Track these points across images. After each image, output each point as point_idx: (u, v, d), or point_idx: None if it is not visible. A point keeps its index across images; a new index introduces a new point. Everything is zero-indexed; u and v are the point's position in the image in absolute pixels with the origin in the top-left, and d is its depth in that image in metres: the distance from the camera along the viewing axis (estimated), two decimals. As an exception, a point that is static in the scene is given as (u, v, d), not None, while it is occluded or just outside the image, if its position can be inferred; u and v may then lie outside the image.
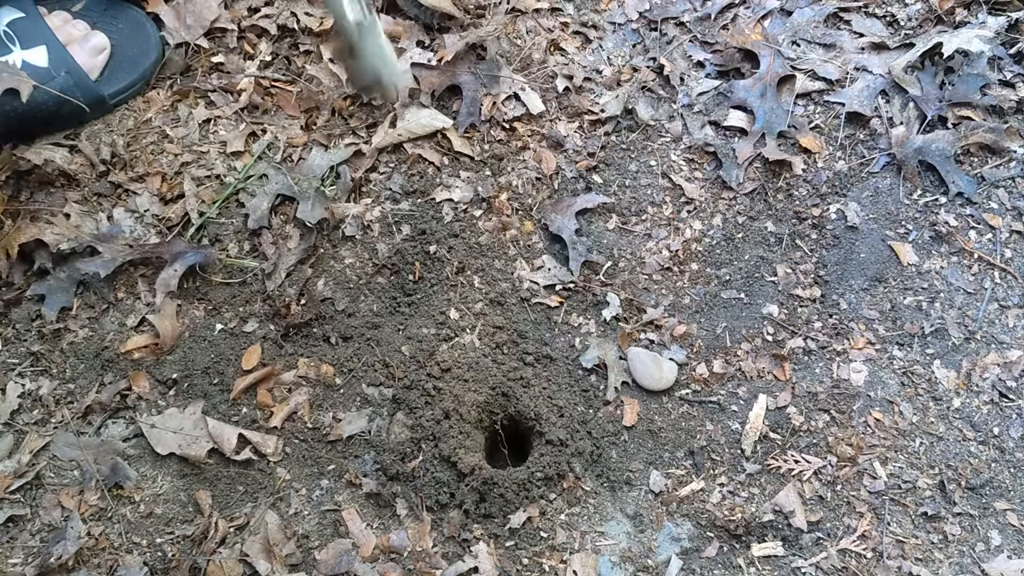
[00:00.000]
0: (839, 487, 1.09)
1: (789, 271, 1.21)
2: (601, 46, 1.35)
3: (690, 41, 1.35)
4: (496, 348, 1.16)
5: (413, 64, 1.29)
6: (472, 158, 1.26)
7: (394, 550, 1.05)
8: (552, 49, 1.34)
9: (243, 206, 1.21)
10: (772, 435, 1.12)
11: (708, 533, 1.07)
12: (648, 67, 1.33)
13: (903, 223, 1.22)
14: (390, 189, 1.23)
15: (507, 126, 1.28)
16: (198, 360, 1.14)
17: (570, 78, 1.31)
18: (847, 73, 1.29)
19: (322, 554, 1.04)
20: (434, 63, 1.29)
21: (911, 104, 1.28)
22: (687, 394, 1.14)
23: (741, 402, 1.14)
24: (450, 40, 1.30)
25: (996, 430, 1.11)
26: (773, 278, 1.21)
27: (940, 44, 1.26)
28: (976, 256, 1.20)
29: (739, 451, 1.11)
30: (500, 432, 1.16)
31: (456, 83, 1.28)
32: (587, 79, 1.32)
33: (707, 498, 1.09)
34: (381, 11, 1.33)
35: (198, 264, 1.16)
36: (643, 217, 1.24)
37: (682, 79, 1.32)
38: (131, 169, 1.23)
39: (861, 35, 1.34)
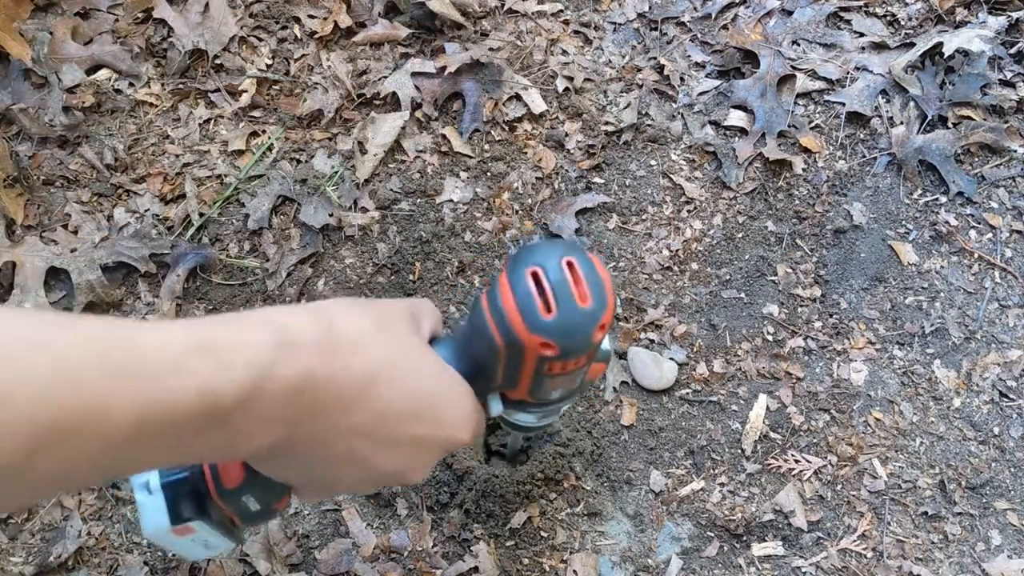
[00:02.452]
0: (839, 487, 1.09)
1: (789, 271, 1.21)
2: (601, 46, 1.35)
3: (690, 41, 1.35)
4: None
5: (414, 74, 1.29)
6: (472, 158, 1.26)
7: (394, 550, 1.05)
8: (552, 49, 1.34)
9: (244, 206, 1.21)
10: (772, 435, 1.12)
11: (708, 533, 1.07)
12: (649, 67, 1.33)
13: (903, 223, 1.22)
14: (390, 189, 1.24)
15: (508, 126, 1.28)
16: (198, 360, 1.14)
17: (571, 78, 1.31)
18: (847, 73, 1.29)
19: (322, 554, 1.04)
20: (435, 70, 1.29)
21: (911, 104, 1.28)
22: (687, 394, 1.14)
23: (741, 402, 1.14)
24: (452, 51, 1.30)
25: (996, 430, 1.11)
26: (773, 278, 1.21)
27: (940, 44, 1.26)
28: (976, 256, 1.20)
29: (739, 451, 1.11)
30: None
31: (459, 90, 1.29)
32: (587, 79, 1.32)
33: (707, 498, 1.09)
34: (381, 15, 1.33)
35: (198, 264, 1.17)
36: (643, 217, 1.24)
37: (682, 79, 1.32)
38: (132, 170, 1.23)
39: (861, 35, 1.34)
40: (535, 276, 0.48)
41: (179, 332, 0.38)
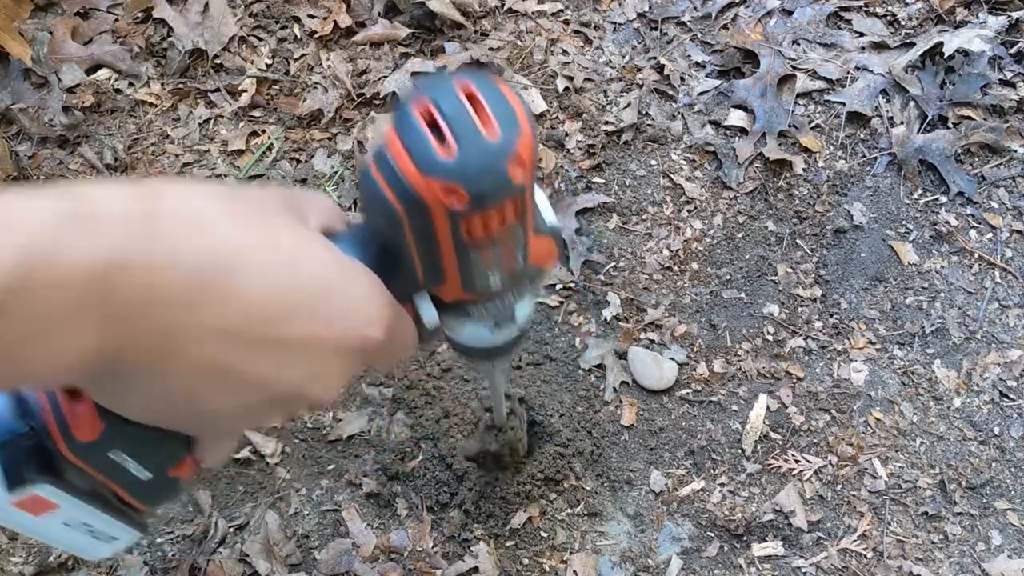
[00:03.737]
0: (839, 487, 1.09)
1: (790, 270, 1.21)
2: (601, 46, 1.35)
3: (690, 41, 1.35)
4: (496, 348, 1.16)
5: (414, 73, 1.29)
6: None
7: (394, 550, 1.05)
8: (552, 49, 1.34)
9: (243, 206, 1.21)
10: (772, 435, 1.12)
11: (708, 533, 1.07)
12: (649, 66, 1.33)
13: (903, 222, 1.22)
14: (390, 189, 1.24)
15: (507, 126, 1.28)
16: (198, 360, 1.14)
17: (571, 78, 1.31)
18: (847, 73, 1.29)
19: (322, 554, 1.04)
20: (435, 70, 1.29)
21: (912, 104, 1.28)
22: (687, 394, 1.14)
23: (741, 402, 1.14)
24: (452, 51, 1.30)
25: (996, 430, 1.11)
26: (774, 277, 1.21)
27: (941, 44, 1.26)
28: (976, 256, 1.20)
29: (739, 451, 1.11)
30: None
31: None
32: (587, 79, 1.32)
33: (707, 498, 1.09)
34: (381, 14, 1.33)
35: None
36: (643, 217, 1.24)
37: (682, 79, 1.32)
38: (132, 170, 1.23)
39: (862, 35, 1.34)
40: (427, 113, 0.39)
41: None
